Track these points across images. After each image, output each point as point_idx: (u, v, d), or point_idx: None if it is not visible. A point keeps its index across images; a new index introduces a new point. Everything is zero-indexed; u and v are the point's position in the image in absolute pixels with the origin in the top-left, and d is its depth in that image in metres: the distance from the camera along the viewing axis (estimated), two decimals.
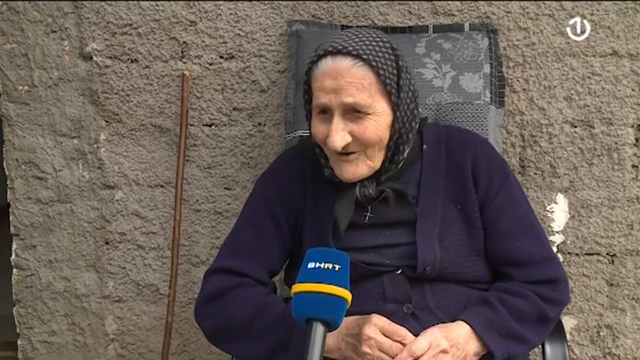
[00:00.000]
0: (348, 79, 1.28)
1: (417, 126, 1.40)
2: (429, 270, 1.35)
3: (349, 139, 1.30)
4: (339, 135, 1.29)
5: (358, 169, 1.34)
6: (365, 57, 1.28)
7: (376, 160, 1.35)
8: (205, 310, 1.41)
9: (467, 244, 1.40)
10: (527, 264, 1.39)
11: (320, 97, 1.30)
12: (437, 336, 1.26)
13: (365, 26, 1.88)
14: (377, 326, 1.26)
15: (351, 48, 1.29)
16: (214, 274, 1.43)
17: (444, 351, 1.25)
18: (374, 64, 1.29)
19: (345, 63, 1.28)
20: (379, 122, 1.31)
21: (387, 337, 1.26)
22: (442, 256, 1.36)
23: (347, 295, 1.08)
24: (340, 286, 1.08)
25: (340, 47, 1.29)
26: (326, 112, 1.32)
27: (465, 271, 1.39)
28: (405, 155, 1.38)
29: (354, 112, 1.30)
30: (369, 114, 1.30)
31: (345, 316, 1.10)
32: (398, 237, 1.39)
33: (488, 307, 1.35)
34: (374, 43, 1.31)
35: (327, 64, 1.29)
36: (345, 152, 1.32)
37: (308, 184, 1.46)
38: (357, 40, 1.31)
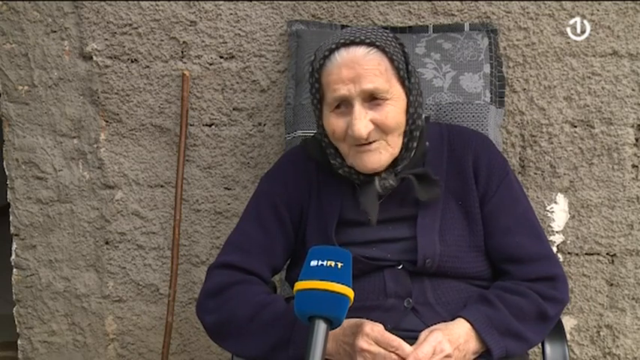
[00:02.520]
0: (366, 66, 1.30)
1: (423, 114, 1.43)
2: (429, 262, 1.36)
3: (372, 126, 1.32)
4: (362, 122, 1.30)
5: (382, 156, 1.35)
6: (378, 44, 1.32)
7: (396, 147, 1.37)
8: (207, 305, 1.41)
9: (467, 240, 1.41)
10: (525, 261, 1.40)
11: (338, 90, 1.32)
12: (440, 340, 1.25)
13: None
14: (370, 337, 1.24)
15: (363, 37, 1.32)
16: (218, 269, 1.44)
17: (447, 356, 1.25)
18: (387, 49, 1.32)
19: (360, 51, 1.31)
20: (397, 107, 1.34)
21: (381, 346, 1.24)
22: (442, 250, 1.37)
23: (349, 292, 1.08)
24: (343, 284, 1.08)
25: (352, 38, 1.32)
26: (340, 106, 1.34)
27: (464, 266, 1.40)
28: (416, 143, 1.39)
29: (372, 100, 1.32)
30: (387, 99, 1.32)
31: (347, 311, 1.10)
32: (400, 232, 1.40)
33: (487, 305, 1.35)
34: (380, 33, 1.35)
35: (342, 55, 1.31)
36: (367, 142, 1.33)
37: (312, 182, 1.47)
38: (364, 31, 1.34)
